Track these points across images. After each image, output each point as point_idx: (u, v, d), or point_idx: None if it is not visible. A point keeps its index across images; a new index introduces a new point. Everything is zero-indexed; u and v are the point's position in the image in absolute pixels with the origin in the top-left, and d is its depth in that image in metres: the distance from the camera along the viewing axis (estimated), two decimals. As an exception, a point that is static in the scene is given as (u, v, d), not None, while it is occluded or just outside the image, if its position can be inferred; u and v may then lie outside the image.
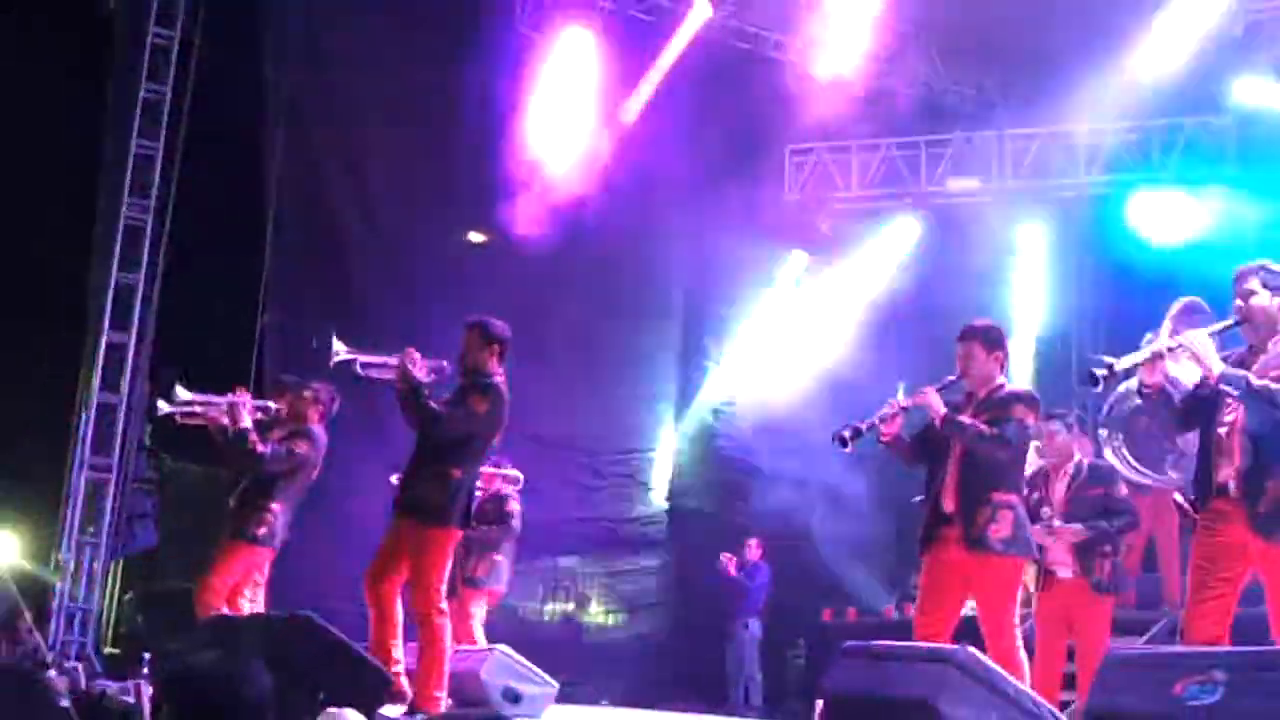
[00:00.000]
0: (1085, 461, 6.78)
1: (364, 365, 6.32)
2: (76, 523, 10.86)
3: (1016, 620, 5.56)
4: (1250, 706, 3.60)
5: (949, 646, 4.87)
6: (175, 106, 11.32)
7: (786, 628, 11.23)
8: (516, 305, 11.05)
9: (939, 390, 5.68)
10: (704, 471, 12.43)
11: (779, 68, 12.07)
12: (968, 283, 10.15)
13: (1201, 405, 4.98)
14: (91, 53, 11.40)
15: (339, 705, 5.39)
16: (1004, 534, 5.46)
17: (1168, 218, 10.71)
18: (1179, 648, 4.49)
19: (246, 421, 7.17)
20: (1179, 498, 5.34)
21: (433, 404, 6.00)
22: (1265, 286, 4.89)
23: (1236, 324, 4.91)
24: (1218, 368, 4.79)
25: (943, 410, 5.60)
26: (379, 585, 6.06)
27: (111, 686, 6.70)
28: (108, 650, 11.11)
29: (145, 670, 7.43)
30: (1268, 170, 10.02)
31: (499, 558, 8.89)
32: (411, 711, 5.84)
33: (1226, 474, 4.83)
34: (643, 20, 12.19)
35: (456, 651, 7.10)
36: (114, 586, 11.45)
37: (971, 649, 4.59)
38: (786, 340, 12.43)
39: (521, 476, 9.14)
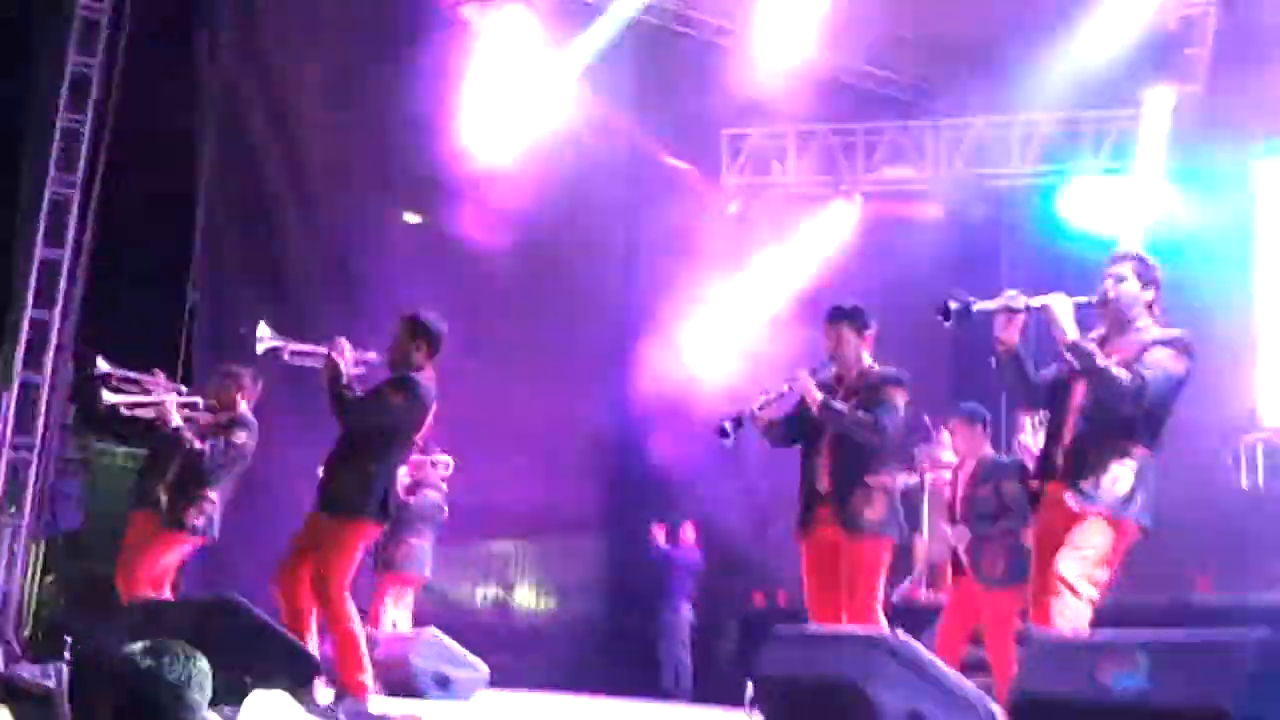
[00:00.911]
0: (986, 458, 6.78)
1: (292, 353, 6.24)
2: (-1, 503, 10.65)
3: (879, 600, 5.62)
4: (1175, 691, 3.64)
5: (879, 630, 4.91)
6: (105, 80, 11.08)
7: (718, 612, 11.27)
8: (452, 289, 11.05)
9: (812, 373, 5.74)
10: (636, 455, 12.40)
11: (718, 52, 12.05)
12: (902, 270, 10.19)
13: (1055, 385, 4.99)
14: (16, 24, 11.13)
15: (266, 688, 5.33)
16: (878, 515, 5.55)
17: (1101, 208, 10.82)
18: (1103, 632, 4.52)
19: (176, 421, 7.12)
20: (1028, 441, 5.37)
21: (347, 394, 5.93)
22: (1137, 276, 4.92)
23: (1100, 304, 4.93)
24: (1073, 333, 4.80)
25: (819, 396, 5.65)
26: (287, 577, 5.99)
27: (31, 669, 6.58)
28: (27, 633, 10.90)
29: (66, 654, 7.29)
30: (1199, 161, 10.14)
31: (416, 541, 8.86)
32: (339, 697, 5.78)
33: (1061, 453, 4.88)
34: (583, 3, 12.11)
35: (385, 636, 7.05)
36: (35, 569, 11.24)
37: (901, 632, 4.63)
38: (722, 324, 12.45)
39: (451, 461, 9.10)
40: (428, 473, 9.09)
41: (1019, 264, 11.50)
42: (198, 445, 7.07)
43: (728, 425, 5.78)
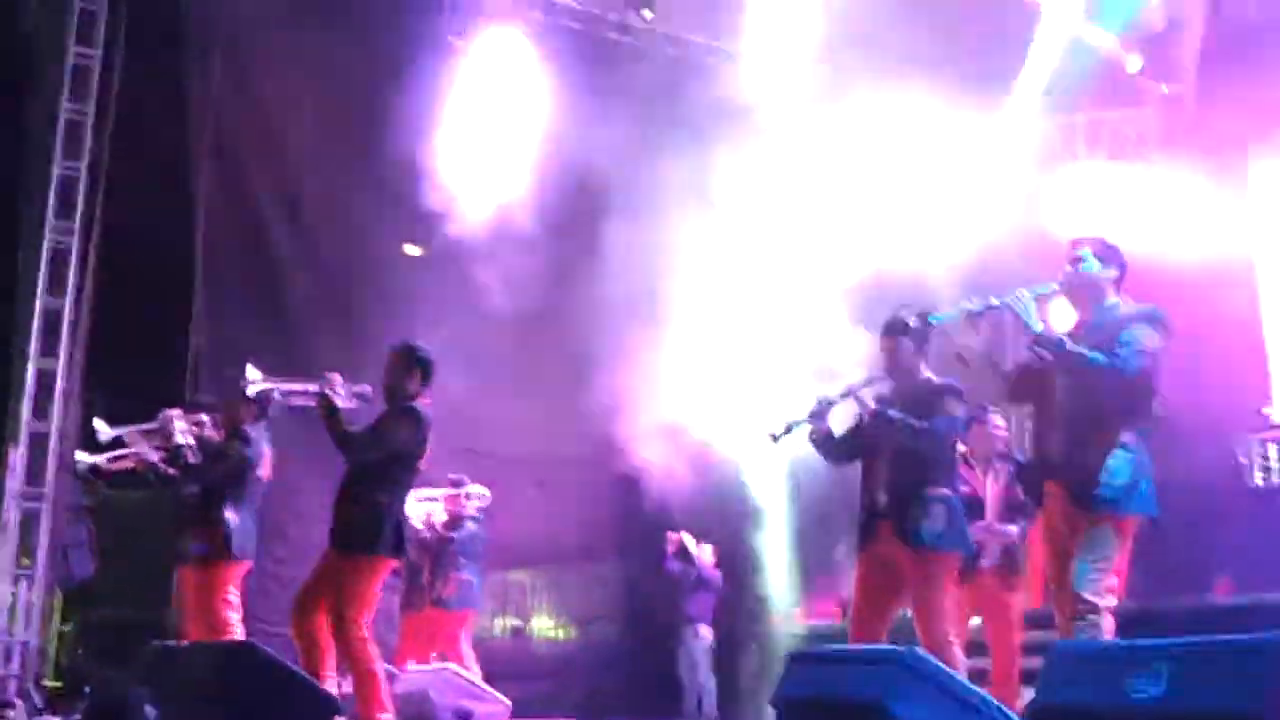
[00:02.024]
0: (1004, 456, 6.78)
1: (283, 393, 6.24)
2: (12, 556, 10.62)
3: (949, 615, 5.59)
4: (1198, 697, 3.62)
5: (897, 647, 4.88)
6: (99, 127, 11.10)
7: (737, 635, 11.22)
8: (455, 320, 11.06)
9: (867, 385, 5.70)
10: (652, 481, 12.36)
11: (710, 72, 12.06)
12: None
13: (1030, 376, 4.95)
14: (10, 72, 11.17)
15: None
16: (937, 528, 5.48)
17: (1088, 204, 10.80)
18: (1124, 640, 4.50)
19: (179, 438, 7.08)
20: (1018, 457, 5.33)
21: (347, 430, 5.93)
22: (1096, 256, 4.91)
23: (1060, 290, 4.95)
24: (1037, 327, 4.78)
25: (873, 405, 5.62)
26: (305, 617, 5.98)
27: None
28: (49, 684, 10.87)
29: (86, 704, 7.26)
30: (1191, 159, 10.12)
31: (466, 577, 8.89)
32: (360, 737, 5.77)
33: (1054, 448, 4.86)
34: (574, 30, 12.13)
35: (406, 673, 7.04)
36: (53, 619, 11.22)
37: (918, 649, 4.61)
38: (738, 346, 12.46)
39: (487, 493, 9.12)
40: (464, 506, 9.10)
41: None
42: (192, 459, 7.02)
43: (778, 430, 5.74)
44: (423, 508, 8.74)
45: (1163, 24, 10.05)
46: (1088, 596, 4.59)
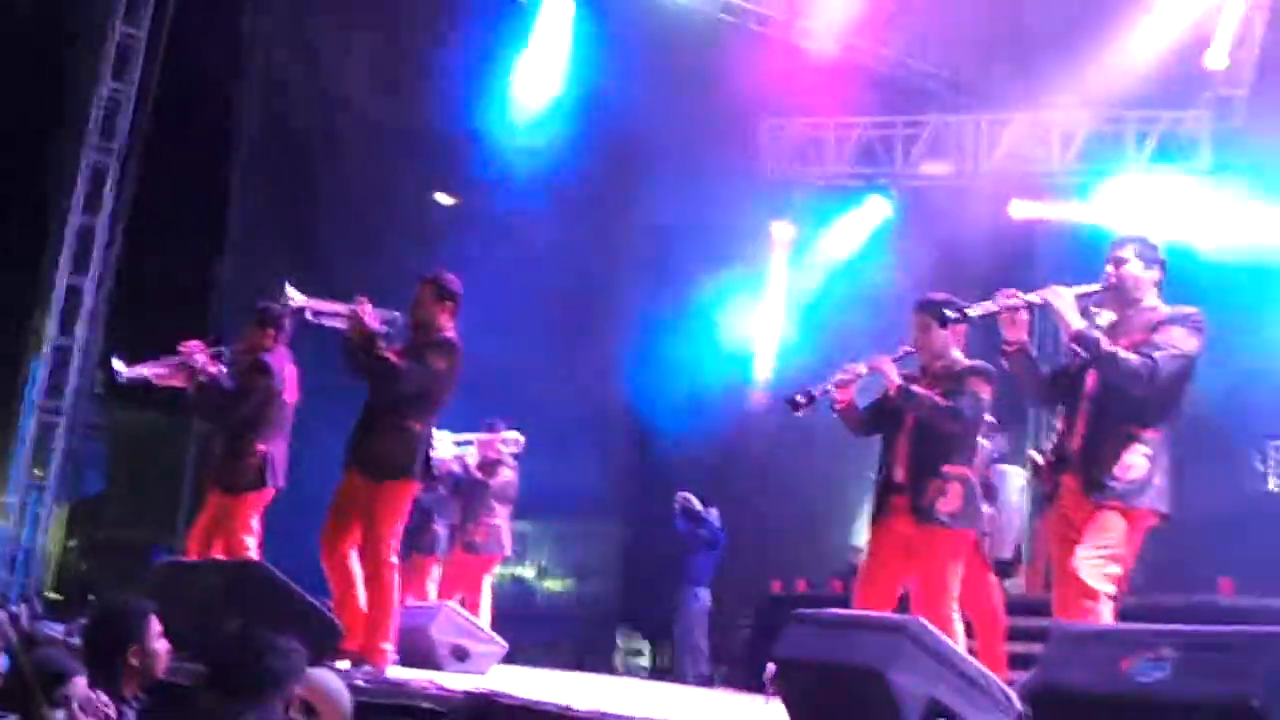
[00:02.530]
0: None
1: (315, 313, 6.21)
2: (26, 465, 10.73)
3: (955, 593, 5.58)
4: (1197, 684, 3.62)
5: (901, 617, 4.88)
6: (149, 51, 11.14)
7: (735, 598, 11.26)
8: (481, 268, 11.08)
9: (895, 360, 5.69)
10: (657, 439, 12.41)
11: (761, 41, 12.02)
12: (939, 266, 10.16)
13: (1064, 376, 4.96)
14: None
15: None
16: (953, 507, 5.46)
17: (1139, 208, 10.74)
18: (1128, 624, 4.49)
19: (202, 374, 7.01)
20: (1036, 455, 5.30)
21: (390, 357, 5.93)
22: (1139, 257, 4.86)
23: (1105, 289, 4.87)
24: (1077, 324, 4.75)
25: (898, 380, 5.60)
26: (336, 546, 5.99)
27: (54, 628, 6.62)
28: (50, 595, 11.00)
29: (88, 611, 7.32)
30: (1241, 165, 10.05)
31: (496, 522, 8.92)
32: (358, 662, 5.80)
33: (1075, 444, 4.83)
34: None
35: (407, 607, 7.08)
36: (60, 532, 11.34)
37: (923, 620, 4.61)
38: (761, 314, 12.48)
39: (521, 438, 9.09)
40: (499, 451, 9.06)
41: (1057, 261, 11.43)
42: (224, 386, 6.94)
43: (800, 398, 5.72)
44: (454, 450, 8.73)
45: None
46: (1088, 582, 4.58)
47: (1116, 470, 4.64)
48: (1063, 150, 11.67)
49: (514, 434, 9.04)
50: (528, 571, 13.36)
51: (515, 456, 9.13)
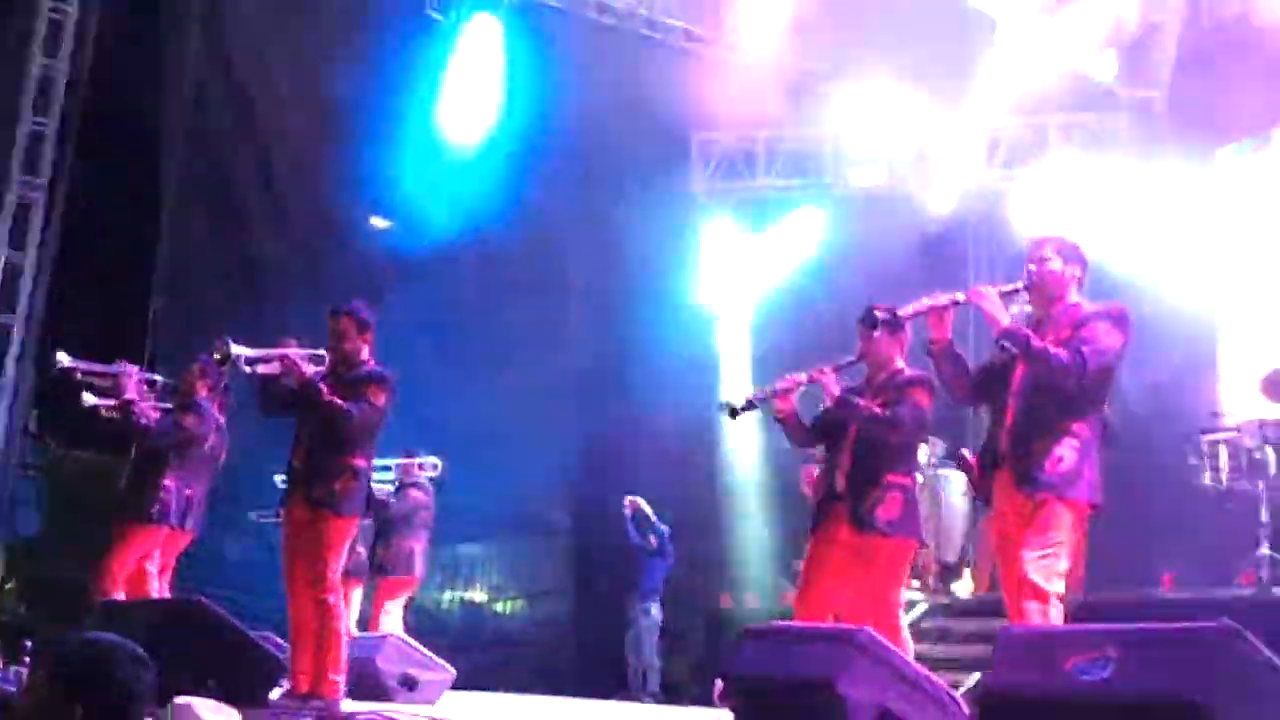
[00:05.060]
0: None
1: (249, 361, 6.19)
2: (-42, 509, 10.51)
3: (900, 601, 5.61)
4: (1142, 682, 3.66)
5: (849, 627, 4.90)
6: (71, 82, 10.97)
7: (684, 613, 11.26)
8: (420, 292, 11.04)
9: (837, 370, 5.73)
10: (604, 458, 12.39)
11: (688, 57, 12.08)
12: (870, 273, 10.24)
13: (991, 373, 5.02)
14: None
15: (229, 689, 5.30)
16: (891, 515, 5.51)
17: (1062, 207, 10.89)
18: (1073, 625, 4.54)
19: (131, 393, 7.06)
20: (966, 454, 5.34)
21: (338, 402, 5.90)
22: (1058, 255, 4.95)
23: (1025, 288, 4.99)
24: (1005, 320, 4.84)
25: (836, 390, 5.65)
26: (290, 583, 5.97)
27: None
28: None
29: (27, 658, 7.21)
30: (1161, 164, 10.22)
31: (407, 544, 8.92)
32: (308, 697, 5.74)
33: (1004, 440, 4.89)
34: (553, 9, 12.10)
35: (353, 639, 7.02)
36: (-4, 573, 11.12)
37: (871, 630, 4.63)
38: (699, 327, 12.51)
39: (440, 463, 9.15)
40: (415, 475, 9.13)
41: (989, 262, 11.57)
42: (142, 420, 7.02)
43: (737, 405, 5.76)
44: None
45: (1139, 30, 10.12)
46: (1036, 581, 4.61)
47: (1047, 463, 4.69)
48: (989, 154, 11.84)
49: (433, 459, 9.10)
50: (479, 595, 13.29)
51: (433, 481, 9.20)
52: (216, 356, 6.06)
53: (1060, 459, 4.70)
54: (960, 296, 4.95)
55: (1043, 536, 4.66)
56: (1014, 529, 4.77)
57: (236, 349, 6.02)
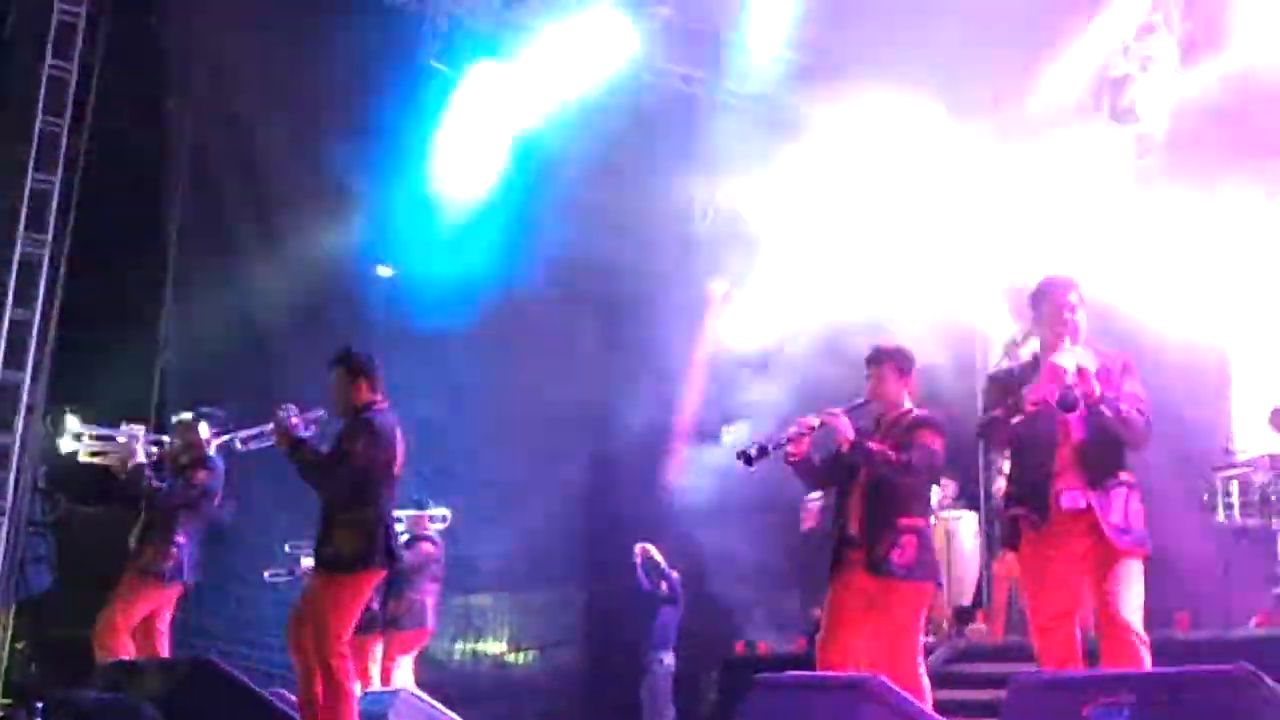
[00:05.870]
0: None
1: (243, 441, 6.21)
2: (-32, 568, 10.47)
3: (919, 646, 5.58)
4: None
5: (861, 675, 4.87)
6: (73, 140, 11.03)
7: (698, 661, 11.18)
8: (423, 338, 11.06)
9: (847, 413, 5.74)
10: (615, 505, 12.37)
11: (693, 102, 12.14)
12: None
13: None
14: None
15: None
16: (907, 559, 5.51)
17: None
18: (1089, 671, 4.50)
19: (140, 457, 7.09)
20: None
21: (319, 457, 5.88)
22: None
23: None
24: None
25: (850, 435, 5.65)
26: (295, 637, 5.93)
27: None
28: (-1, 700, 10.71)
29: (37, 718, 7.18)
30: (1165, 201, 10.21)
31: (418, 596, 8.89)
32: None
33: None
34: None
35: (364, 694, 6.99)
36: (6, 634, 11.05)
37: (883, 678, 4.59)
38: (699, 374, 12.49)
39: (449, 514, 9.14)
40: (425, 526, 9.11)
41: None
42: (154, 484, 7.06)
43: (752, 451, 5.77)
44: None
45: (1137, 66, 10.14)
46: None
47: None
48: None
49: (443, 510, 9.10)
50: (492, 646, 13.22)
51: (441, 533, 9.20)
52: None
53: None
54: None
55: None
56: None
57: (204, 434, 6.07)
